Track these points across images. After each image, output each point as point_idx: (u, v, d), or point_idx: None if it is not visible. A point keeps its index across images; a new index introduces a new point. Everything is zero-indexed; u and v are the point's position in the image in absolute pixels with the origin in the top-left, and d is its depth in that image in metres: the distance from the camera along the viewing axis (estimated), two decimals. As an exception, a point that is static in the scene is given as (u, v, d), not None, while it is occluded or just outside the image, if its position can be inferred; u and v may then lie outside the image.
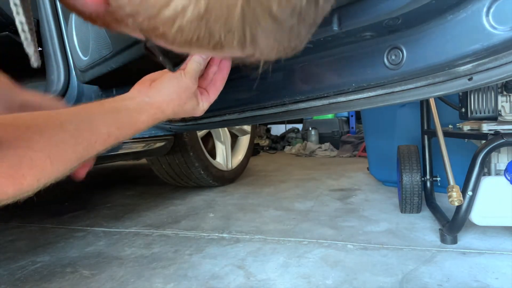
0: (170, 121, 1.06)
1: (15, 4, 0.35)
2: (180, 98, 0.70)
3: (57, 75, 1.04)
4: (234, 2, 0.35)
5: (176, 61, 0.66)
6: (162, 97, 0.69)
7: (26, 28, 0.37)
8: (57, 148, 0.55)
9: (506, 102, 1.37)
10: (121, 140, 0.66)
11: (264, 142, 4.84)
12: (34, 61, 0.40)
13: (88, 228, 1.70)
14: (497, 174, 1.34)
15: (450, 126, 1.59)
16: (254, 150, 3.41)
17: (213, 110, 0.79)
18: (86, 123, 0.61)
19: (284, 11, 0.37)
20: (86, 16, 0.40)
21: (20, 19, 0.36)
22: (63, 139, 0.56)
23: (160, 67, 0.63)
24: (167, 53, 0.52)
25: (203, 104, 0.75)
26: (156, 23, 0.37)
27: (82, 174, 0.69)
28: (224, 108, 0.92)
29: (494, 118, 1.34)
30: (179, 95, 0.70)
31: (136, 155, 1.78)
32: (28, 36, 0.37)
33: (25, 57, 0.47)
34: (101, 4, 0.37)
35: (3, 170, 0.49)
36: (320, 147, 4.30)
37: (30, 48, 0.38)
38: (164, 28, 0.38)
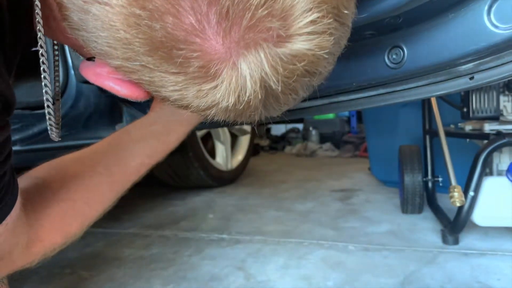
0: None
1: (48, 106, 0.40)
2: None
3: (56, 74, 1.03)
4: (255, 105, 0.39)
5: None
6: None
7: (52, 113, 0.41)
8: (94, 193, 0.58)
9: (508, 101, 1.36)
10: (154, 165, 0.66)
11: (264, 142, 4.81)
12: (54, 136, 0.44)
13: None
14: (499, 174, 1.33)
15: (452, 126, 1.58)
16: (254, 150, 3.39)
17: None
18: (116, 160, 0.62)
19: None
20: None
21: (49, 110, 0.41)
22: (97, 183, 0.58)
23: None
24: None
25: None
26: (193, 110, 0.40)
27: None
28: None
29: (496, 117, 1.33)
30: None
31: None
32: (53, 119, 0.42)
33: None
34: (143, 96, 0.41)
35: (53, 225, 0.54)
36: (321, 147, 4.28)
37: (52, 125, 0.43)
38: (197, 110, 0.40)
